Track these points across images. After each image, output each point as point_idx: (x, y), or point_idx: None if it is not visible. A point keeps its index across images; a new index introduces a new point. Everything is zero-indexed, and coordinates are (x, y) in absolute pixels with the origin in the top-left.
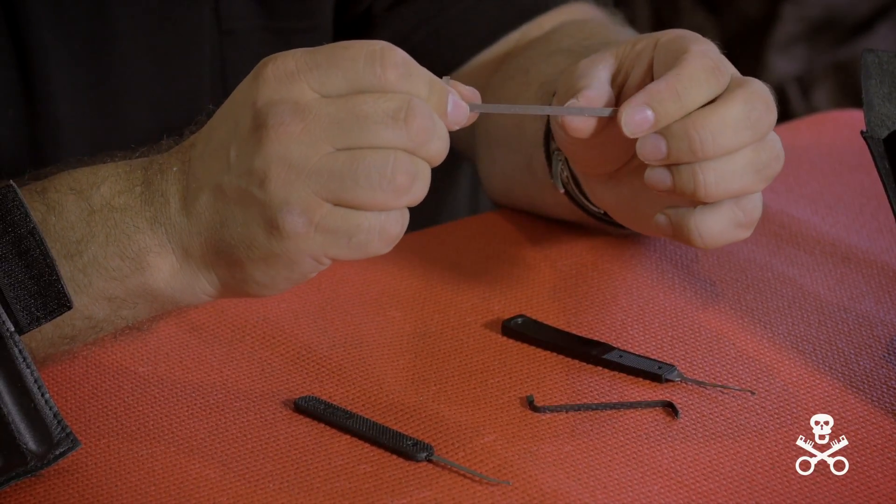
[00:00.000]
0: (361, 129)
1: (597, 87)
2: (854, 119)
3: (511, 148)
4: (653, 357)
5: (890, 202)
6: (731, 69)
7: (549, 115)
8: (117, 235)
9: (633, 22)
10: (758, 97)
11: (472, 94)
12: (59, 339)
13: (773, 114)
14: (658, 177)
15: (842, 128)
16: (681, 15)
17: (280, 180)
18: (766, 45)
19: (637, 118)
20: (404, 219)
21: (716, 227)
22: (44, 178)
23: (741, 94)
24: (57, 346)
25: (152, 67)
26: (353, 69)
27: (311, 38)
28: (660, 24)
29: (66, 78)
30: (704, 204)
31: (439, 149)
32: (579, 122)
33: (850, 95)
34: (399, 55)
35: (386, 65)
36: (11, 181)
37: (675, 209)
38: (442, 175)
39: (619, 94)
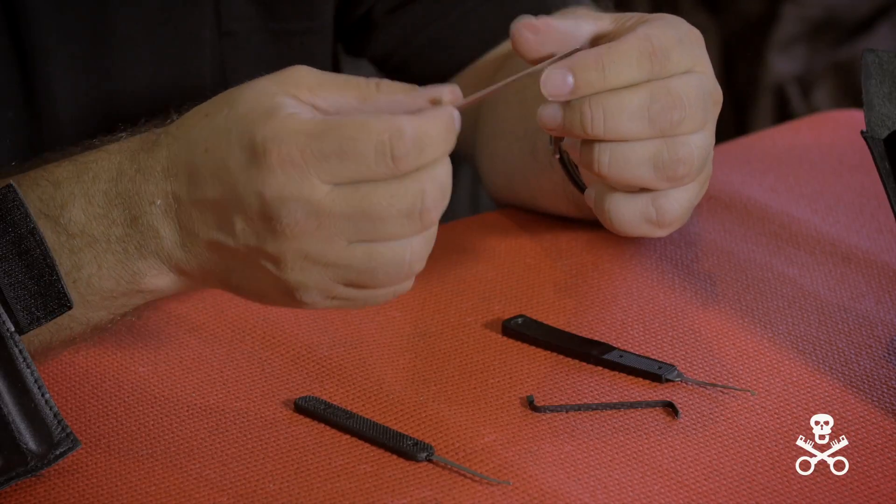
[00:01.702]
0: (376, 228)
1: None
2: (854, 119)
3: (515, 136)
4: (653, 357)
5: (890, 202)
6: (672, 61)
7: None
8: (108, 262)
9: None
10: (666, 92)
11: (453, 93)
12: (58, 343)
13: (684, 112)
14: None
15: (842, 128)
16: (680, 15)
17: (297, 267)
18: (766, 45)
19: (557, 81)
20: (414, 278)
21: (626, 215)
22: (27, 170)
23: (649, 85)
24: (56, 349)
25: (153, 69)
26: (365, 163)
27: (311, 40)
28: None
29: (66, 79)
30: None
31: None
32: (558, 87)
33: (850, 95)
34: (408, 140)
35: (397, 157)
36: (11, 181)
37: (599, 186)
38: None
39: None
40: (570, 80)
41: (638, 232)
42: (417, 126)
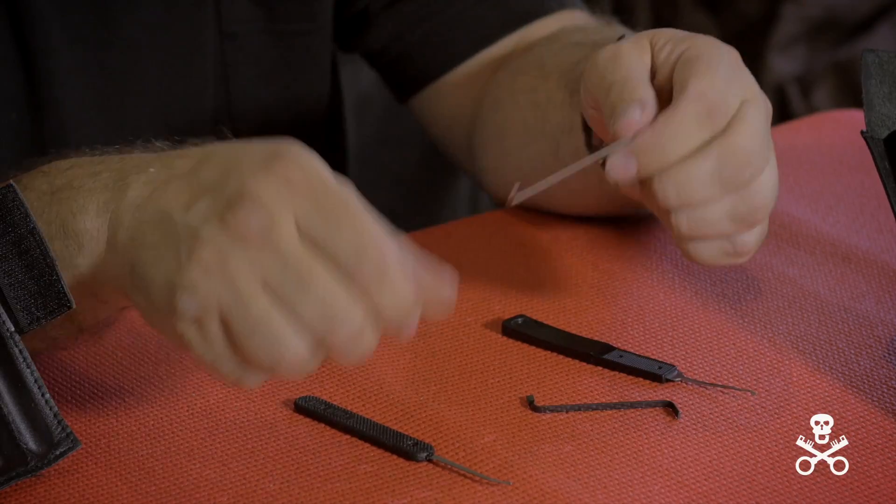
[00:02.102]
0: (296, 297)
1: (649, 101)
2: (854, 119)
3: (531, 137)
4: (653, 357)
5: (890, 202)
6: (730, 106)
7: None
8: (63, 214)
9: (633, 22)
10: (732, 153)
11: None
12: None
13: (754, 166)
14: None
15: (842, 128)
16: (681, 15)
17: (204, 263)
18: (766, 45)
19: (620, 169)
20: (263, 380)
21: (706, 254)
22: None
23: (715, 150)
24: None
25: (156, 71)
26: (336, 244)
27: (311, 41)
28: (660, 24)
29: (70, 82)
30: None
31: (356, 360)
32: (623, 174)
33: (850, 95)
34: (386, 263)
35: (360, 272)
36: (11, 181)
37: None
38: (442, 175)
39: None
40: (633, 165)
41: (719, 264)
42: (398, 266)
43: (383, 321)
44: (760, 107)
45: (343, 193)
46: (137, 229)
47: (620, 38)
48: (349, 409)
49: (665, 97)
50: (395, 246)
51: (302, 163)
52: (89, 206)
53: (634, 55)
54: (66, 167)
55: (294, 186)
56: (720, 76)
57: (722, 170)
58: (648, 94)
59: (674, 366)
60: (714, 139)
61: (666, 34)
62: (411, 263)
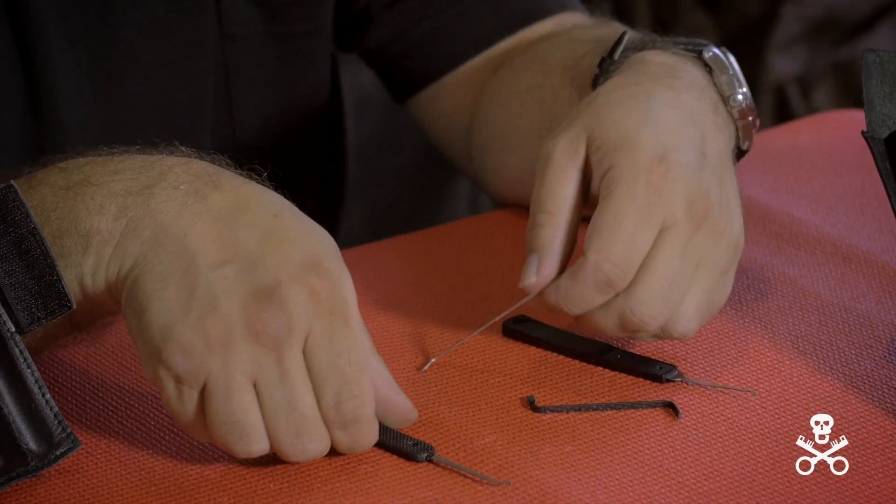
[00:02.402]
0: (279, 401)
1: (553, 244)
2: (854, 119)
3: (536, 135)
4: (653, 357)
5: (891, 202)
6: (630, 269)
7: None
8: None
9: (634, 22)
10: (632, 311)
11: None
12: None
13: (659, 315)
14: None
15: (842, 128)
16: (680, 15)
17: (214, 331)
18: (766, 45)
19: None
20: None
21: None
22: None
23: (616, 308)
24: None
25: (156, 73)
26: (330, 378)
27: (312, 42)
28: (660, 24)
29: (71, 84)
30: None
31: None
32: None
33: (851, 95)
34: (366, 396)
35: (340, 402)
36: (12, 181)
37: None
38: (442, 175)
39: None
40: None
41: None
42: (371, 417)
43: (337, 446)
44: (681, 232)
45: (355, 323)
46: (153, 249)
47: (622, 34)
48: None
49: (593, 203)
50: (383, 380)
51: (334, 279)
52: (108, 206)
53: (563, 163)
54: (83, 163)
55: (320, 304)
56: (624, 233)
57: (623, 323)
58: (552, 236)
59: (674, 366)
60: (617, 297)
61: (600, 137)
62: (390, 394)
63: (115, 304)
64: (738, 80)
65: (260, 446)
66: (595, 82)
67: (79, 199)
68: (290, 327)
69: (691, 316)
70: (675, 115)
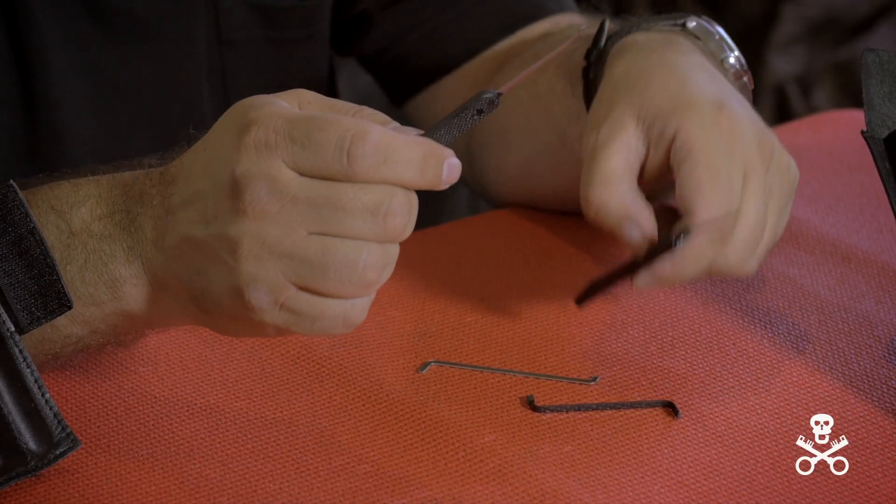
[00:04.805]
0: (338, 220)
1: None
2: (854, 119)
3: (534, 130)
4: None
5: (890, 202)
6: (735, 210)
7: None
8: (94, 262)
9: None
10: (726, 258)
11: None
12: (43, 357)
13: (750, 262)
14: None
15: (842, 128)
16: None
17: (251, 255)
18: (766, 45)
19: (647, 286)
20: (368, 305)
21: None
22: (31, 188)
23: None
24: (43, 365)
25: (153, 77)
26: (322, 155)
27: (309, 47)
28: None
29: (66, 86)
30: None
31: (410, 231)
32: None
33: (850, 95)
34: (369, 144)
35: (353, 156)
36: (12, 181)
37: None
38: None
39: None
40: (654, 281)
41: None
42: (385, 137)
43: (410, 184)
44: (759, 174)
45: (306, 114)
46: (176, 262)
47: (602, 22)
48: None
49: (659, 174)
50: (381, 126)
51: (262, 119)
52: (117, 252)
53: (609, 143)
54: (72, 201)
55: (268, 144)
56: (722, 184)
57: (710, 271)
58: (627, 200)
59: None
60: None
61: (650, 110)
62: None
63: (182, 322)
64: (727, 43)
65: (366, 250)
66: (585, 74)
67: (91, 251)
68: (269, 179)
69: (760, 254)
70: (700, 70)
